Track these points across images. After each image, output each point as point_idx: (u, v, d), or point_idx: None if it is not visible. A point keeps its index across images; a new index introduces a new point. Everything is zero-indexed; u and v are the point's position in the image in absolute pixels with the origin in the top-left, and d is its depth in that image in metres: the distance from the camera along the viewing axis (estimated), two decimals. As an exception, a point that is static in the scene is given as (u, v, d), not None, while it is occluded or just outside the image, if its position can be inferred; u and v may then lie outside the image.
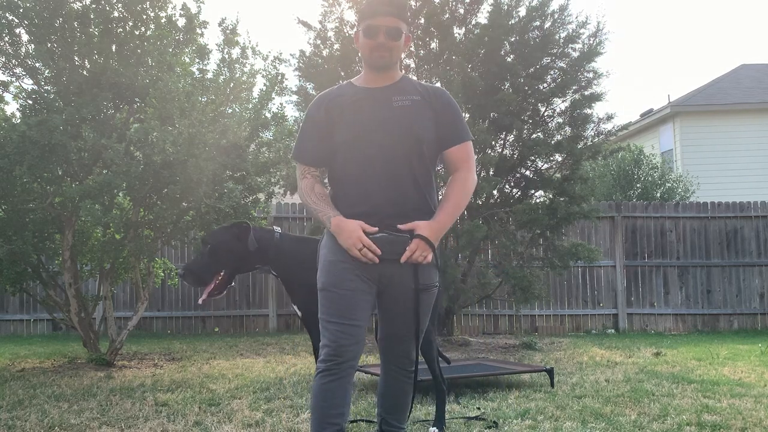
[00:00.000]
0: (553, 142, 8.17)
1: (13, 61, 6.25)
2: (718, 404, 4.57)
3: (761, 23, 59.32)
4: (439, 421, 3.86)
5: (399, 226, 2.59)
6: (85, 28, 6.13)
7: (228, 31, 6.80)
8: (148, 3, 6.28)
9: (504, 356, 7.24)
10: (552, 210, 7.95)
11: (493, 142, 8.24)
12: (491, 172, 8.16)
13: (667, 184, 13.86)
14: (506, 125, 8.05)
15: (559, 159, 8.47)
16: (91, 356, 6.57)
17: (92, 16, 6.16)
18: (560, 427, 3.93)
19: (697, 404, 4.56)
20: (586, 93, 8.25)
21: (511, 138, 8.49)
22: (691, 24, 69.62)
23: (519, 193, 8.68)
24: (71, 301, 6.51)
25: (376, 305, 2.75)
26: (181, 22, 6.59)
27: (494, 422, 4.00)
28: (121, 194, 6.58)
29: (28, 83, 6.34)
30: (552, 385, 5.22)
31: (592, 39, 8.15)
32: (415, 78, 2.91)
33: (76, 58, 6.19)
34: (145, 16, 6.34)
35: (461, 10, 8.32)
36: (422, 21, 8.12)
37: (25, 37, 6.22)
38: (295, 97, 8.73)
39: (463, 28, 8.39)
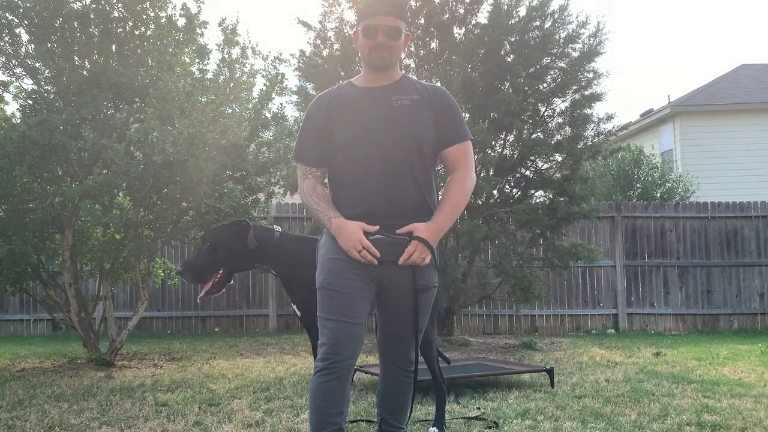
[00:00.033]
0: (553, 142, 8.17)
1: (13, 61, 6.25)
2: (718, 404, 4.57)
3: (761, 23, 59.35)
4: (439, 421, 3.86)
5: (397, 231, 2.59)
6: (85, 28, 6.13)
7: (228, 31, 6.80)
8: (148, 3, 6.28)
9: (504, 356, 7.25)
10: (552, 210, 7.95)
11: (493, 142, 8.24)
12: (491, 172, 8.16)
13: (667, 184, 13.86)
14: (506, 125, 8.05)
15: (559, 159, 8.47)
16: (91, 356, 6.57)
17: (92, 16, 6.16)
18: (560, 427, 3.93)
19: (697, 404, 4.56)
20: (586, 93, 8.25)
21: (511, 138, 8.49)
22: (691, 24, 69.66)
23: (519, 193, 8.68)
24: (71, 301, 6.51)
25: (375, 305, 2.75)
26: (181, 22, 6.59)
27: (494, 422, 4.00)
28: (121, 194, 6.58)
29: (28, 83, 6.35)
30: (552, 385, 5.23)
31: (592, 39, 8.15)
32: (414, 77, 2.89)
33: (76, 58, 6.19)
34: (145, 16, 6.34)
35: (461, 10, 8.32)
36: (422, 21, 8.12)
37: (25, 37, 6.23)
38: (295, 97, 8.74)
39: (463, 28, 8.39)
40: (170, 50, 6.39)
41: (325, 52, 8.49)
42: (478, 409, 4.41)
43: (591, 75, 8.22)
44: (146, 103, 6.19)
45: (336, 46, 8.42)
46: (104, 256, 6.57)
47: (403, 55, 8.28)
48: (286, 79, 7.16)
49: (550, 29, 8.17)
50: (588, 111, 8.29)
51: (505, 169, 8.30)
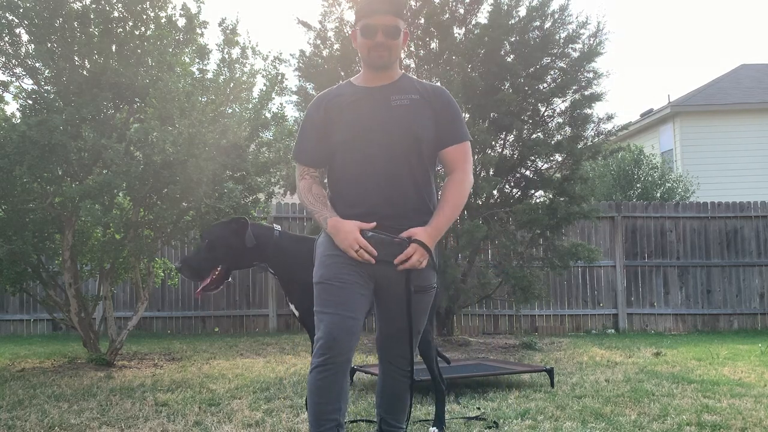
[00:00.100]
0: (553, 142, 8.17)
1: (13, 61, 6.25)
2: (718, 404, 4.57)
3: (761, 23, 59.36)
4: (439, 421, 3.85)
5: (395, 240, 2.58)
6: (85, 28, 6.14)
7: (228, 31, 6.80)
8: (148, 3, 6.28)
9: (504, 356, 7.24)
10: (552, 210, 7.95)
11: (493, 142, 8.24)
12: (491, 172, 8.16)
13: (667, 184, 13.86)
14: (506, 125, 8.05)
15: (559, 159, 8.47)
16: (91, 356, 6.57)
17: (92, 16, 6.16)
18: (560, 427, 3.93)
19: (697, 404, 4.56)
20: (586, 93, 8.26)
21: (511, 138, 8.49)
22: (691, 24, 69.67)
23: (519, 193, 8.68)
24: (71, 301, 6.51)
25: (372, 303, 2.74)
26: (181, 22, 6.59)
27: (494, 422, 4.00)
28: (121, 194, 6.58)
29: (28, 83, 6.35)
30: (552, 385, 5.22)
31: (592, 39, 8.15)
32: (414, 77, 2.88)
33: (76, 58, 6.19)
34: (145, 16, 6.34)
35: (461, 10, 8.32)
36: (422, 21, 8.12)
37: (25, 37, 6.23)
38: (295, 97, 8.74)
39: (463, 28, 8.39)
40: (170, 50, 6.39)
41: (325, 52, 8.49)
42: (478, 409, 4.41)
43: (591, 75, 8.22)
44: (146, 103, 6.19)
45: (336, 46, 8.42)
46: (104, 256, 6.57)
47: (403, 55, 8.34)
48: (286, 79, 7.17)
49: (550, 29, 8.17)
50: (588, 111, 8.30)
51: (505, 169, 8.30)
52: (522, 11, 8.15)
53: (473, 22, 8.36)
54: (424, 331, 3.57)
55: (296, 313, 3.56)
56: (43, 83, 6.32)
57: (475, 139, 7.36)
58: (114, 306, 7.99)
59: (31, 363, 6.80)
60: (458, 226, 7.63)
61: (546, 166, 8.65)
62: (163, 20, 6.45)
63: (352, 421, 4.05)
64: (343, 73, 8.10)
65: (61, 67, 6.09)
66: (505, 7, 8.04)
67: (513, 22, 8.07)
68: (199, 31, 6.66)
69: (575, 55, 8.21)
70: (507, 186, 8.64)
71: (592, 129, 8.45)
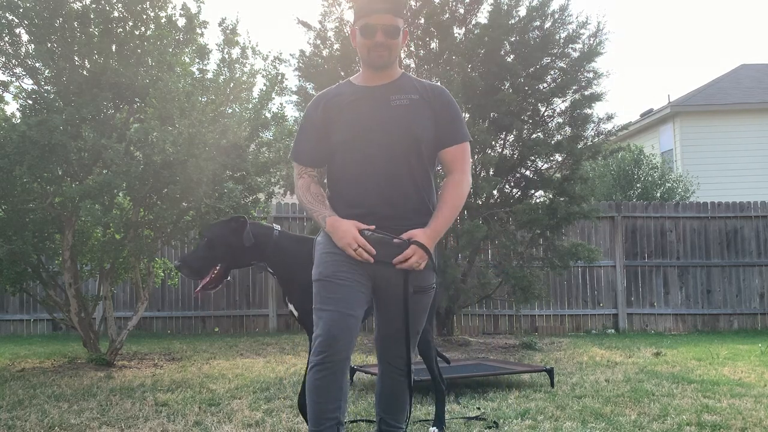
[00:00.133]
0: (553, 142, 8.17)
1: (13, 61, 6.25)
2: (718, 404, 4.57)
3: (761, 23, 59.35)
4: (439, 421, 3.86)
5: (395, 240, 2.58)
6: (85, 28, 6.14)
7: (228, 31, 6.80)
8: (148, 3, 6.28)
9: (504, 356, 7.25)
10: (552, 210, 7.95)
11: (493, 142, 8.24)
12: (491, 172, 8.16)
13: (667, 184, 13.86)
14: (506, 125, 8.05)
15: (559, 159, 8.47)
16: (91, 356, 6.57)
17: (92, 16, 6.16)
18: (560, 427, 3.93)
19: (697, 404, 4.56)
20: (586, 93, 8.26)
21: (511, 138, 8.49)
22: (691, 24, 69.66)
23: (519, 193, 8.68)
24: (71, 301, 6.51)
25: (371, 302, 2.74)
26: (181, 22, 6.59)
27: (494, 422, 4.00)
28: (121, 194, 6.58)
29: (28, 83, 6.35)
30: (552, 385, 5.23)
31: (592, 39, 8.15)
32: (414, 76, 2.87)
33: (76, 58, 6.19)
34: (145, 16, 6.34)
35: (461, 10, 8.32)
36: (422, 21, 8.12)
37: (25, 37, 6.23)
38: (295, 97, 8.74)
39: (463, 28, 8.39)
40: (170, 50, 6.39)
41: (325, 52, 8.49)
42: (478, 409, 4.41)
43: (591, 75, 8.22)
44: (146, 103, 6.19)
45: (336, 46, 8.42)
46: (104, 256, 6.58)
47: (403, 55, 8.34)
48: (286, 79, 7.17)
49: (550, 29, 8.17)
50: (588, 111, 8.30)
51: (505, 169, 8.30)
52: (522, 11, 8.16)
53: (473, 22, 8.36)
54: (424, 331, 3.56)
55: (295, 313, 3.56)
56: (43, 83, 6.32)
57: (475, 139, 7.36)
58: (114, 306, 7.99)
59: (31, 363, 6.80)
60: (458, 226, 7.64)
61: (546, 166, 8.65)
62: (163, 20, 6.45)
63: (352, 421, 4.05)
64: (343, 73, 8.10)
65: (61, 67, 6.09)
66: (505, 7, 8.04)
67: (513, 22, 8.07)
68: (199, 31, 6.66)
69: (575, 55, 8.21)
70: (507, 186, 8.64)
71: (592, 129, 8.45)
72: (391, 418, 2.89)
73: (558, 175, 8.46)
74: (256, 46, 8.29)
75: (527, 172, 8.65)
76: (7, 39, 6.16)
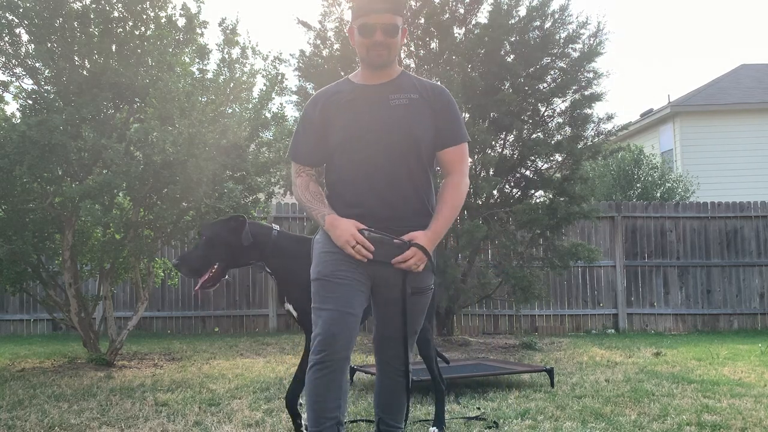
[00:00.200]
0: (553, 142, 8.17)
1: (13, 61, 6.25)
2: (718, 404, 4.57)
3: (761, 23, 59.34)
4: (439, 421, 3.85)
5: (395, 241, 2.57)
6: (85, 28, 6.14)
7: (228, 31, 6.80)
8: (148, 3, 6.28)
9: (504, 356, 7.25)
10: (552, 210, 7.95)
11: (493, 142, 8.24)
12: (491, 172, 8.16)
13: (667, 184, 13.87)
14: (506, 125, 8.05)
15: (559, 159, 8.47)
16: (91, 356, 6.57)
17: (92, 16, 6.16)
18: (560, 427, 3.93)
19: (697, 404, 4.56)
20: (586, 93, 8.26)
21: (511, 138, 8.49)
22: (691, 24, 69.65)
23: (519, 193, 8.68)
24: (71, 301, 6.51)
25: (370, 301, 2.73)
26: (181, 22, 6.59)
27: (494, 422, 4.00)
28: (121, 194, 6.58)
29: (28, 83, 6.35)
30: (552, 385, 5.23)
31: (592, 39, 8.15)
32: (414, 75, 2.85)
33: (76, 58, 6.19)
34: (145, 16, 6.34)
35: (461, 10, 8.32)
36: (422, 21, 8.12)
37: (25, 37, 6.23)
38: (295, 97, 8.74)
39: (463, 28, 8.39)
40: (170, 50, 6.39)
41: (325, 52, 8.50)
42: (478, 409, 4.41)
43: (591, 75, 8.22)
44: (146, 103, 6.19)
45: (336, 46, 8.42)
46: (104, 256, 6.58)
47: (403, 55, 8.34)
48: (286, 79, 7.17)
49: (550, 29, 8.17)
50: (588, 111, 8.30)
51: (505, 169, 8.30)
52: (522, 11, 8.16)
53: (473, 22, 8.36)
54: (423, 330, 3.57)
55: (294, 313, 3.55)
56: (43, 83, 6.32)
57: (475, 139, 7.36)
58: (114, 306, 7.99)
59: (31, 363, 6.80)
60: (458, 226, 7.64)
61: (546, 166, 8.65)
62: (163, 20, 6.45)
63: (352, 421, 4.05)
64: (342, 73, 8.09)
65: (61, 67, 6.09)
66: (505, 7, 8.04)
67: (513, 22, 8.07)
68: (199, 31, 6.66)
69: (575, 55, 8.21)
70: (507, 186, 8.64)
71: (592, 129, 8.45)
72: (390, 418, 2.89)
73: (558, 175, 8.46)
74: (256, 46, 8.30)
75: (527, 172, 8.65)
76: (7, 39, 6.16)
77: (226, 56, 6.79)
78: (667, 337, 9.58)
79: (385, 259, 2.56)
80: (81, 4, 6.17)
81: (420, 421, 4.11)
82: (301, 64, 8.53)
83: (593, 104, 8.22)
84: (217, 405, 4.58)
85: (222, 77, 6.73)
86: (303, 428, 3.66)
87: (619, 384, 5.37)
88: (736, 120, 16.65)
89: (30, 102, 6.18)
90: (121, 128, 6.22)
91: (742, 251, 10.67)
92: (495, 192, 8.41)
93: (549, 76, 8.29)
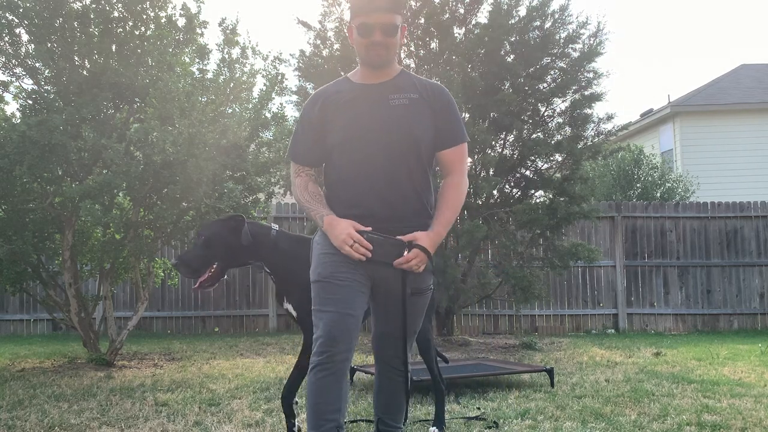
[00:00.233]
0: (553, 142, 8.17)
1: (13, 61, 6.25)
2: (718, 404, 4.57)
3: (761, 23, 59.34)
4: (439, 420, 3.85)
5: (398, 237, 2.56)
6: (85, 28, 6.14)
7: (228, 31, 6.80)
8: (148, 3, 6.28)
9: (504, 356, 7.25)
10: (552, 210, 7.95)
11: (493, 142, 8.24)
12: (491, 172, 8.16)
13: (667, 184, 13.87)
14: (506, 125, 8.05)
15: (559, 159, 8.47)
16: (91, 356, 6.57)
17: (92, 16, 6.16)
18: (560, 427, 3.93)
19: (697, 404, 4.56)
20: (586, 93, 8.26)
21: (511, 138, 8.49)
22: (691, 24, 69.66)
23: (519, 193, 8.68)
24: (71, 301, 6.51)
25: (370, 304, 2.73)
26: (181, 22, 6.59)
27: (494, 422, 3.99)
28: (121, 194, 6.58)
29: (28, 83, 6.35)
30: (552, 385, 5.23)
31: (592, 39, 8.16)
32: (413, 74, 2.84)
33: (76, 58, 6.19)
34: (145, 16, 6.34)
35: (461, 10, 8.32)
36: (422, 21, 8.12)
37: (25, 37, 6.23)
38: (295, 97, 8.75)
39: (463, 28, 8.39)
40: (170, 50, 6.39)
41: (325, 52, 8.50)
42: (478, 409, 4.41)
43: (591, 75, 8.22)
44: (146, 103, 6.19)
45: (336, 46, 8.42)
46: (104, 256, 6.58)
47: (403, 55, 8.34)
48: (286, 79, 7.17)
49: (550, 29, 8.17)
50: (588, 111, 8.30)
51: (505, 169, 8.30)
52: (522, 11, 8.16)
53: (473, 22, 8.36)
54: (423, 330, 3.57)
55: (294, 313, 3.55)
56: (43, 83, 6.32)
57: (475, 139, 7.36)
58: (114, 306, 7.99)
59: (31, 363, 6.80)
60: (458, 226, 7.64)
61: (546, 166, 8.65)
62: (163, 20, 6.45)
63: (352, 421, 4.05)
64: (342, 73, 8.04)
65: (61, 67, 6.09)
66: (505, 7, 8.04)
67: (513, 22, 8.07)
68: (199, 31, 6.66)
69: (575, 55, 8.21)
70: (507, 186, 8.65)
71: (592, 129, 8.45)
72: (389, 418, 2.89)
73: (558, 175, 8.46)
74: (256, 46, 8.30)
75: (527, 172, 8.66)
76: (7, 39, 6.16)
77: (226, 56, 6.79)
78: (667, 337, 9.58)
79: (385, 260, 2.56)
80: (81, 4, 6.18)
81: (420, 421, 4.11)
82: (301, 64, 8.54)
83: (593, 104, 8.23)
84: (217, 405, 4.59)
85: (222, 77, 6.73)
86: (295, 429, 3.65)
87: (619, 384, 5.37)
88: (736, 120, 16.65)
89: (30, 102, 6.18)
90: (121, 128, 6.22)
91: (742, 251, 10.67)
92: (495, 192, 8.41)
93: (549, 76, 8.29)
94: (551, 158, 8.51)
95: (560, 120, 8.46)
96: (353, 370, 5.29)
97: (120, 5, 6.22)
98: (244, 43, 6.87)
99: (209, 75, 6.66)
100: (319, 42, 8.59)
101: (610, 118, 8.47)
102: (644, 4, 66.20)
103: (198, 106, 6.07)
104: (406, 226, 2.60)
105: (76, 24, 6.11)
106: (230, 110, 6.76)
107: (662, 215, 10.65)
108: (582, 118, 8.31)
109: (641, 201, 11.85)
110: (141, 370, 6.26)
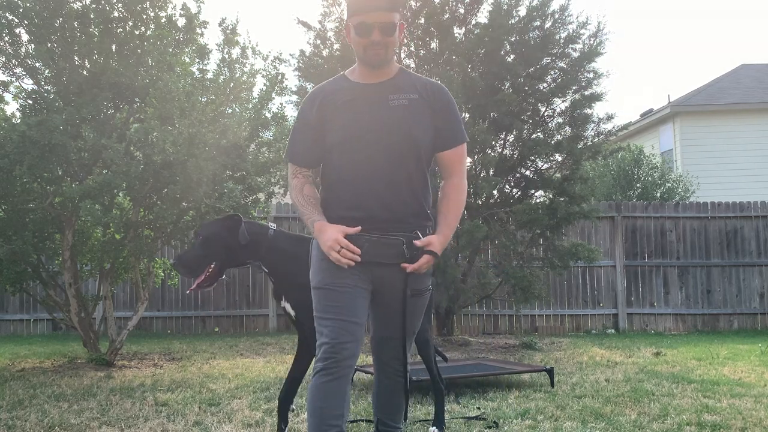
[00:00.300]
0: (553, 142, 8.17)
1: (13, 61, 6.25)
2: (718, 404, 4.57)
3: (761, 23, 59.33)
4: (439, 421, 3.85)
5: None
6: (85, 28, 6.14)
7: (228, 31, 6.80)
8: (148, 3, 6.28)
9: (504, 356, 7.25)
10: (552, 210, 7.95)
11: (493, 142, 8.24)
12: (491, 172, 8.16)
13: (667, 184, 13.87)
14: (506, 125, 8.05)
15: (559, 159, 8.47)
16: (91, 356, 6.57)
17: (92, 16, 6.16)
18: (560, 427, 3.93)
19: (697, 404, 4.56)
20: (586, 93, 8.26)
21: (511, 138, 8.49)
22: (691, 24, 69.66)
23: (519, 193, 8.68)
24: (71, 301, 6.51)
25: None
26: (181, 22, 6.59)
27: (494, 422, 4.00)
28: (121, 194, 6.58)
29: (28, 83, 6.35)
30: (552, 385, 5.23)
31: (592, 39, 8.16)
32: (412, 72, 2.82)
33: (76, 58, 6.19)
34: (145, 16, 6.34)
35: (461, 10, 8.33)
36: (422, 21, 8.12)
37: (25, 37, 6.23)
38: (295, 97, 8.74)
39: (463, 28, 8.39)
40: (170, 50, 6.39)
41: (325, 52, 8.50)
42: (478, 409, 4.41)
43: (591, 75, 8.23)
44: (146, 103, 6.19)
45: (336, 46, 8.42)
46: (104, 256, 6.58)
47: (402, 55, 8.34)
48: (286, 79, 7.17)
49: (551, 29, 8.17)
50: (588, 111, 8.30)
51: (505, 169, 8.30)
52: (522, 11, 8.16)
53: (473, 22, 8.36)
54: (423, 330, 3.56)
55: (292, 312, 3.55)
56: (43, 83, 6.32)
57: (475, 139, 7.37)
58: (114, 306, 7.98)
59: (31, 363, 6.80)
60: (458, 226, 7.63)
61: (546, 166, 8.66)
62: (163, 20, 6.45)
63: (352, 421, 4.05)
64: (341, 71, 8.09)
65: (61, 67, 6.09)
66: (505, 7, 8.04)
67: (513, 22, 8.07)
68: (199, 31, 6.66)
69: (575, 55, 8.22)
70: (507, 186, 8.64)
71: (592, 129, 8.46)
72: (389, 418, 2.88)
73: (558, 175, 8.46)
74: (256, 46, 8.32)
75: (527, 172, 8.66)
76: (7, 39, 6.16)
77: (226, 56, 6.79)
78: (667, 337, 9.58)
79: (381, 260, 2.55)
80: (81, 4, 6.18)
81: (420, 421, 4.11)
82: (301, 64, 8.54)
83: (593, 104, 8.23)
84: (217, 405, 4.59)
85: (222, 77, 6.73)
86: None
87: (619, 384, 5.37)
88: (736, 120, 16.65)
89: (30, 102, 6.18)
90: (121, 128, 6.22)
91: (742, 251, 10.67)
92: (495, 192, 8.41)
93: (549, 76, 8.29)
94: (551, 158, 8.51)
95: (560, 120, 8.46)
96: (354, 371, 5.29)
97: (120, 5, 6.23)
98: (244, 43, 6.88)
99: (209, 75, 6.66)
100: (319, 42, 8.59)
101: (610, 118, 8.47)
102: (644, 4, 66.20)
103: (198, 106, 6.07)
104: (406, 228, 2.59)
105: (76, 24, 6.11)
106: (230, 110, 6.76)
107: (662, 215, 10.65)
108: (582, 118, 8.31)
109: (641, 201, 11.85)
110: (141, 370, 6.26)
